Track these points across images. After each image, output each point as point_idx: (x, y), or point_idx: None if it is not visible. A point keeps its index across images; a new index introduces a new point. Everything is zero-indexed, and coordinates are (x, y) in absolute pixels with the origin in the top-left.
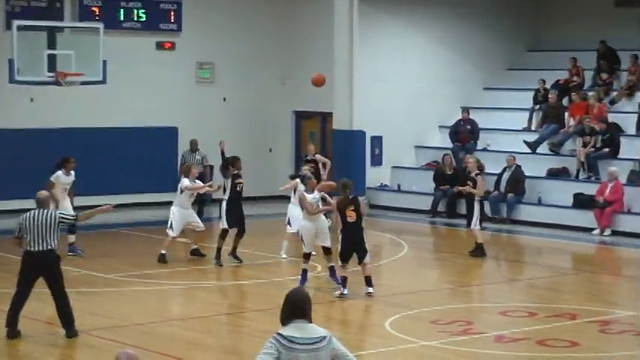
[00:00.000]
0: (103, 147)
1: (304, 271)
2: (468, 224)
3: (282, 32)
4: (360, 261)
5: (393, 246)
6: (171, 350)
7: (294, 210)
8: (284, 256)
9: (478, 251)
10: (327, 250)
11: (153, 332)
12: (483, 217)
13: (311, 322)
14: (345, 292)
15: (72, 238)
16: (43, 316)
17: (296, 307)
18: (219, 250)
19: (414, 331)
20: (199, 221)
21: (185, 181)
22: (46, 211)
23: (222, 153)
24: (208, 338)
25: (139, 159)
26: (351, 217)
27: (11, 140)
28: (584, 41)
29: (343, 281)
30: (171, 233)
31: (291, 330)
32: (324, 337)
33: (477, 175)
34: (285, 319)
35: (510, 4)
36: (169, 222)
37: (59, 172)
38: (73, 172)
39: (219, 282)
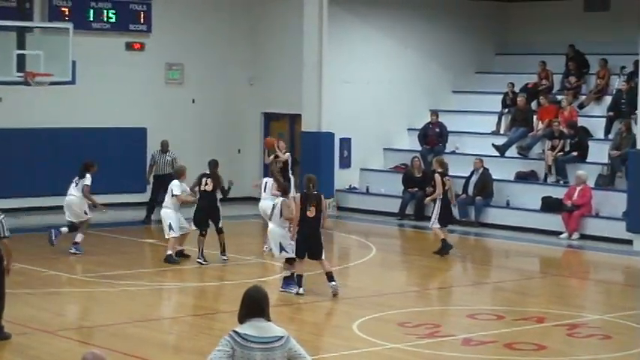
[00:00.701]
0: (71, 147)
1: (290, 277)
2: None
3: (252, 34)
4: (314, 258)
5: (360, 248)
6: (140, 352)
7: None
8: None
9: (443, 248)
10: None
11: (121, 333)
12: (447, 217)
13: (269, 321)
14: (302, 291)
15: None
16: (11, 317)
17: (253, 306)
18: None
19: (381, 334)
20: (186, 222)
21: (176, 185)
22: None
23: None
24: (177, 340)
25: (108, 159)
26: (311, 212)
27: None
28: (553, 45)
29: (299, 280)
30: (173, 234)
31: (248, 328)
32: (281, 337)
33: (435, 173)
34: (243, 317)
35: (479, 7)
36: (167, 224)
37: (88, 176)
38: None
39: (188, 283)
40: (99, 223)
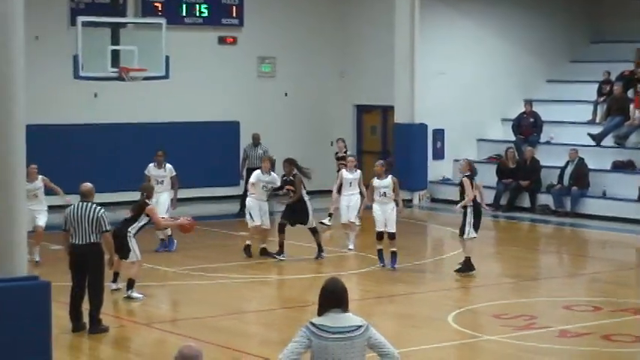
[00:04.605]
0: (165, 142)
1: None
2: (461, 234)
3: (343, 26)
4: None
5: (454, 240)
6: (233, 344)
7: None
8: (350, 247)
9: (466, 266)
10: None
11: (215, 326)
12: (478, 224)
13: (347, 312)
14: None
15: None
16: (108, 310)
17: (330, 297)
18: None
19: (476, 326)
20: (267, 219)
21: (254, 174)
22: (89, 204)
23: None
24: (270, 332)
25: (201, 153)
26: None
27: (76, 135)
28: None
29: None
30: (252, 223)
31: (324, 319)
32: (359, 327)
33: (465, 177)
34: (321, 309)
35: None
36: (248, 213)
37: (149, 165)
38: (167, 166)
39: (280, 276)
40: (192, 217)
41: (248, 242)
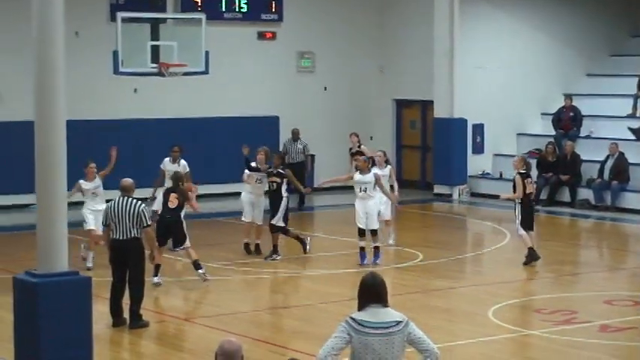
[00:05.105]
0: (205, 137)
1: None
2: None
3: (382, 20)
4: (176, 245)
5: (495, 234)
6: (274, 339)
7: None
8: (390, 242)
9: (530, 256)
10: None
11: (256, 320)
12: (528, 220)
13: (387, 307)
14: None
15: None
16: (148, 305)
17: (370, 292)
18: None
19: (517, 321)
20: (259, 215)
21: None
22: (130, 199)
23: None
24: (310, 327)
25: (241, 148)
26: (172, 203)
27: (116, 130)
28: None
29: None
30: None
31: (364, 314)
32: (399, 322)
33: (517, 174)
34: (361, 304)
35: None
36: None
37: (165, 160)
38: (182, 162)
39: (320, 270)
40: (232, 212)
41: (245, 240)
